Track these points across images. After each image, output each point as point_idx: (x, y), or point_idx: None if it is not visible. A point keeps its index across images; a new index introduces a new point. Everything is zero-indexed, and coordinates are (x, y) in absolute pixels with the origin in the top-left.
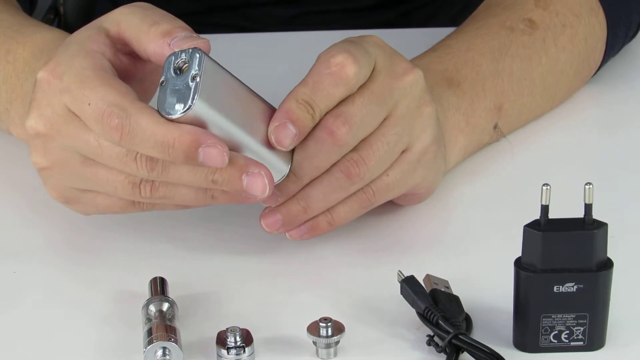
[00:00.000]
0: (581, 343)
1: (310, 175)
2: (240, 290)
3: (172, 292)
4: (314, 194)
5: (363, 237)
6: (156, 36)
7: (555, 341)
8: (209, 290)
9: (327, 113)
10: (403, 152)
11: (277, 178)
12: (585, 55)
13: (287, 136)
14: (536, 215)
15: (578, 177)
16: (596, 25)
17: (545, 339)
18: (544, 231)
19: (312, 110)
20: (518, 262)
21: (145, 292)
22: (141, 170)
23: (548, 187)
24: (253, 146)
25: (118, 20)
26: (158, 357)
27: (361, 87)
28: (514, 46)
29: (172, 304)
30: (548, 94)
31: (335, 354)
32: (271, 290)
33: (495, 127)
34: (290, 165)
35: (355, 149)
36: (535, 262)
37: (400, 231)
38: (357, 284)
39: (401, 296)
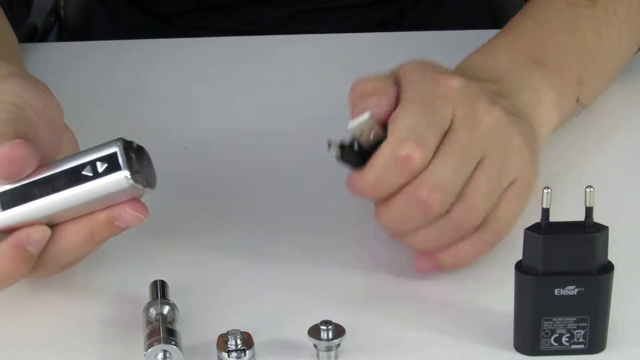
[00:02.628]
0: (582, 346)
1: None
2: (241, 293)
3: (172, 295)
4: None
5: (363, 240)
6: None
7: (556, 344)
8: (210, 293)
9: (409, 186)
10: (510, 184)
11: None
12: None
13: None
14: (537, 218)
15: (579, 181)
16: None
17: (546, 342)
18: (545, 234)
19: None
20: (519, 265)
21: (146, 295)
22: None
23: (549, 191)
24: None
25: None
26: None
27: (442, 146)
28: (582, 20)
29: (172, 307)
30: (615, 64)
31: (336, 357)
32: (272, 293)
33: (577, 100)
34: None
35: (459, 198)
36: (536, 265)
37: None
38: (358, 287)
39: (403, 301)
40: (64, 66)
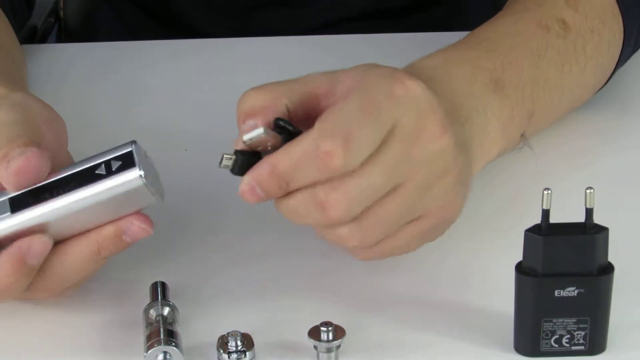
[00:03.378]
0: (582, 347)
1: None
2: (241, 294)
3: (172, 297)
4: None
5: None
6: None
7: (556, 345)
8: (210, 294)
9: (320, 185)
10: (420, 218)
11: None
12: (606, 65)
13: (253, 199)
14: (537, 219)
15: (579, 182)
16: (617, 33)
17: (546, 343)
18: (545, 235)
19: (285, 186)
20: (519, 266)
21: (146, 296)
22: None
23: (549, 192)
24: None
25: None
26: None
27: (372, 154)
28: (550, 50)
29: (173, 308)
30: (570, 102)
31: (337, 358)
32: (272, 294)
33: (522, 135)
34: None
35: (356, 219)
36: (536, 267)
37: None
38: (358, 288)
39: (403, 302)
40: (64, 67)
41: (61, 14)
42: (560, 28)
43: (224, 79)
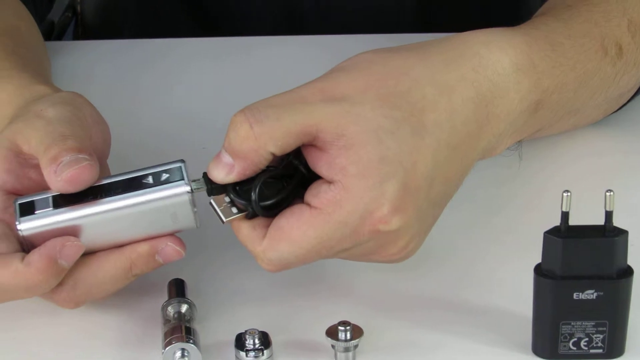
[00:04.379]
0: (600, 351)
1: None
2: (259, 293)
3: (190, 294)
4: None
5: None
6: (46, 163)
7: (575, 348)
8: (228, 292)
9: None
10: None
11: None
12: (626, 96)
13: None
14: (556, 221)
15: (598, 184)
16: None
17: (565, 346)
18: (565, 238)
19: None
20: (538, 269)
21: (164, 293)
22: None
23: (569, 194)
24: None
25: (28, 138)
26: (177, 359)
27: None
28: (597, 77)
29: (190, 305)
30: (577, 123)
31: (354, 358)
32: (290, 293)
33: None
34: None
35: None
36: (555, 269)
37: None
38: (376, 288)
39: (421, 303)
40: (83, 66)
41: (78, 8)
42: (615, 54)
43: (241, 77)
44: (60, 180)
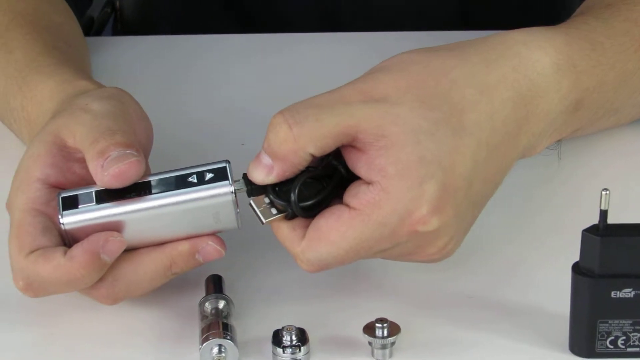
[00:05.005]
0: (638, 349)
1: None
2: (296, 289)
3: (228, 290)
4: None
5: None
6: (93, 157)
7: (612, 347)
8: (265, 289)
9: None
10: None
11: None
12: None
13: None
14: (595, 220)
15: (637, 183)
16: None
17: (602, 345)
18: (603, 236)
19: None
20: (576, 267)
21: (201, 289)
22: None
23: (607, 192)
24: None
25: (73, 131)
26: (214, 355)
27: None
28: (636, 77)
29: (228, 301)
30: (617, 122)
31: (391, 355)
32: (327, 290)
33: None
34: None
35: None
36: (593, 267)
37: None
38: (414, 286)
39: (458, 301)
40: (122, 61)
41: (117, 4)
42: None
43: (280, 74)
44: (107, 175)
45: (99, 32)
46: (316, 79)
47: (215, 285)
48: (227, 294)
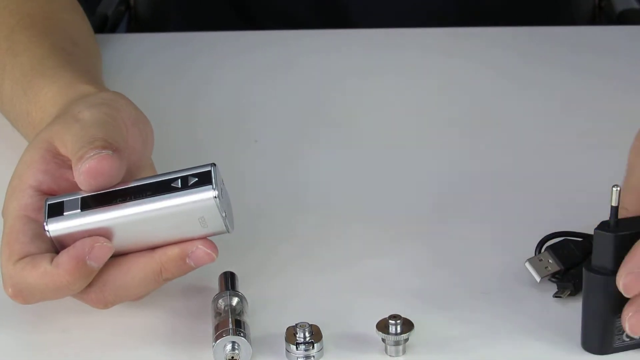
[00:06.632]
0: None
1: None
2: (309, 286)
3: (241, 287)
4: None
5: (432, 237)
6: (74, 163)
7: (628, 340)
8: (279, 286)
9: None
10: None
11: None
12: None
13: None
14: (605, 216)
15: None
16: None
17: (619, 339)
18: (615, 232)
19: None
20: (588, 265)
21: (215, 286)
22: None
23: (618, 189)
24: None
25: (64, 140)
26: (227, 352)
27: None
28: None
29: (241, 298)
30: None
31: (404, 352)
32: (341, 286)
33: None
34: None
35: None
36: (606, 264)
37: (473, 234)
38: (426, 283)
39: (471, 297)
40: (135, 58)
41: (131, 2)
42: None
43: (290, 71)
44: (81, 174)
45: (113, 30)
46: (321, 76)
47: (228, 282)
48: (240, 290)
